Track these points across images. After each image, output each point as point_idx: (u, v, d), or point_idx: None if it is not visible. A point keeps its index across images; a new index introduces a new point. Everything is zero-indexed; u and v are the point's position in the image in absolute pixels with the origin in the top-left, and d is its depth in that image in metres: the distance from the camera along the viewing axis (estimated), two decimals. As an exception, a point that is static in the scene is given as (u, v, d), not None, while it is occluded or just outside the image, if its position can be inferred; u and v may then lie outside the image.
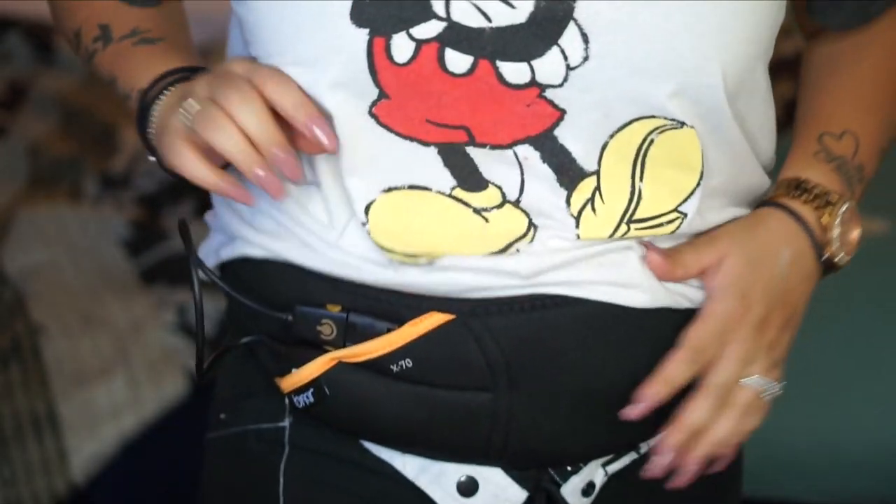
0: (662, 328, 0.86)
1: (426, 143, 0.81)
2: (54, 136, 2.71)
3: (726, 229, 0.87)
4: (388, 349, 0.85)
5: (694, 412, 0.86)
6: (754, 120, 0.87)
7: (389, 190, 0.82)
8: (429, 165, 0.82)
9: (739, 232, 0.87)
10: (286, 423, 0.93)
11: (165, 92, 0.86)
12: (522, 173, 0.82)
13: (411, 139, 0.81)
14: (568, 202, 0.82)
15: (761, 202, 0.89)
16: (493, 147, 0.81)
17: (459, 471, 0.89)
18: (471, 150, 0.81)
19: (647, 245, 0.84)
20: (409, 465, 0.90)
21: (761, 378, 0.88)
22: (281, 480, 0.93)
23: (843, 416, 1.77)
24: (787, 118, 0.98)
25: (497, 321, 0.84)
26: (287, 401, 0.92)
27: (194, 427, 1.93)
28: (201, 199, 2.49)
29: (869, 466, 1.75)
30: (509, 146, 0.81)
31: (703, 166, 0.83)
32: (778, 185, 0.90)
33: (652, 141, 0.81)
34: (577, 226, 0.83)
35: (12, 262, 2.19)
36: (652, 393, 0.85)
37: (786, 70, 2.32)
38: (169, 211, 2.48)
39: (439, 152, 0.81)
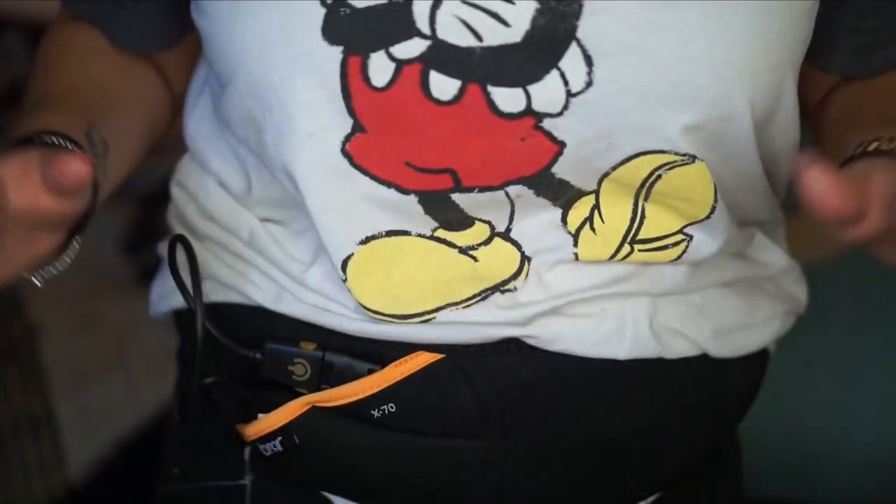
0: (665, 377, 0.79)
1: (406, 191, 0.71)
2: (53, 136, 2.71)
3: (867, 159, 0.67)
4: (368, 392, 0.76)
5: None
6: (779, 142, 0.77)
7: (366, 240, 0.73)
8: (408, 213, 0.72)
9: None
10: (247, 480, 0.84)
11: None
12: (513, 207, 0.73)
13: (389, 184, 0.71)
14: (564, 220, 0.74)
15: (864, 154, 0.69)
16: (482, 190, 0.71)
17: None
18: (456, 197, 0.72)
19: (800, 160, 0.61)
20: None
21: None
22: None
23: (843, 417, 1.77)
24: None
25: (492, 361, 0.75)
26: (248, 455, 0.83)
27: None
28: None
29: (870, 468, 1.75)
30: (500, 187, 0.71)
31: (715, 201, 0.74)
32: (861, 142, 0.70)
33: (659, 176, 0.72)
34: (576, 244, 0.75)
35: (10, 262, 2.19)
36: (837, 191, 0.58)
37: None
38: (167, 211, 2.48)
39: (420, 201, 0.72)
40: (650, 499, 0.85)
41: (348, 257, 0.73)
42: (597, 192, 0.73)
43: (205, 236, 0.81)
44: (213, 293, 0.81)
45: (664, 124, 0.69)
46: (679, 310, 0.78)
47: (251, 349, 0.78)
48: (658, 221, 0.75)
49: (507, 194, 0.72)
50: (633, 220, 0.74)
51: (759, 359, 0.86)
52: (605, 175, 0.72)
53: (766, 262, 0.84)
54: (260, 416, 0.78)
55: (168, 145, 2.78)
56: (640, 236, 0.75)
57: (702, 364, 0.80)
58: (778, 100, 0.73)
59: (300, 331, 0.77)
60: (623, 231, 0.74)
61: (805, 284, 0.89)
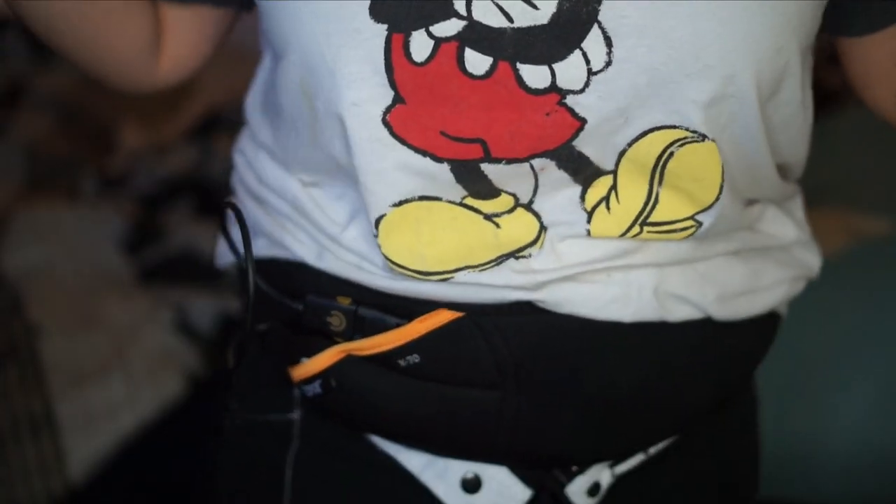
0: (668, 339, 0.84)
1: (439, 160, 0.78)
2: (52, 136, 2.71)
3: None
4: (396, 343, 0.84)
5: None
6: (786, 121, 0.83)
7: (400, 203, 0.80)
8: (440, 181, 0.79)
9: None
10: (296, 415, 0.93)
11: None
12: (537, 180, 0.79)
13: (424, 153, 0.78)
14: (583, 197, 0.80)
15: None
16: (509, 161, 0.78)
17: (464, 468, 0.88)
18: (485, 167, 0.78)
19: None
20: (414, 461, 0.90)
21: None
22: (288, 472, 0.93)
23: (827, 417, 1.77)
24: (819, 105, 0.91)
25: (507, 321, 0.82)
26: (297, 393, 0.92)
27: (192, 427, 1.94)
28: (200, 199, 2.49)
29: (855, 467, 1.75)
30: (525, 159, 0.78)
31: (722, 181, 0.80)
32: None
33: (672, 154, 0.78)
34: (589, 221, 0.81)
35: (10, 262, 2.19)
36: None
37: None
38: (167, 210, 2.48)
39: (452, 169, 0.78)
40: (661, 444, 0.92)
41: (381, 216, 0.80)
42: (615, 173, 0.79)
43: (261, 199, 0.90)
44: (266, 249, 0.90)
45: (675, 101, 0.76)
46: (684, 277, 0.84)
47: (294, 301, 0.87)
48: (670, 206, 0.81)
49: (531, 167, 0.78)
50: (646, 204, 0.80)
51: (766, 320, 0.91)
52: (623, 153, 0.78)
53: (775, 234, 0.90)
54: (303, 360, 0.87)
55: (168, 146, 2.76)
56: (651, 219, 0.81)
57: (706, 326, 0.86)
58: (782, 82, 0.79)
59: (338, 286, 0.86)
60: (636, 213, 0.81)
61: (817, 251, 0.95)
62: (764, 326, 0.91)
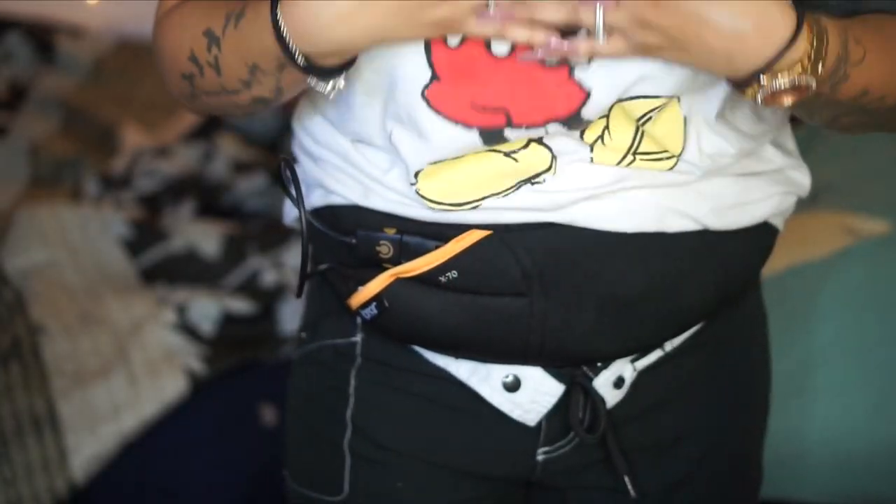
0: (669, 246, 0.98)
1: (469, 127, 0.93)
2: (55, 137, 2.71)
3: None
4: (436, 263, 0.98)
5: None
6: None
7: (436, 162, 0.96)
8: (470, 143, 0.94)
9: None
10: (358, 338, 1.08)
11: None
12: (547, 131, 0.94)
13: (456, 123, 0.93)
14: (581, 136, 0.95)
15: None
16: (528, 127, 0.93)
17: (504, 371, 1.02)
18: (508, 132, 0.93)
19: None
20: (462, 369, 1.04)
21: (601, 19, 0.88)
22: (352, 382, 1.08)
23: (842, 416, 1.77)
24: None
25: (529, 235, 0.96)
26: (358, 320, 1.06)
27: (194, 426, 1.94)
28: (201, 200, 2.50)
29: (868, 465, 1.75)
30: (542, 125, 0.93)
31: (685, 134, 0.95)
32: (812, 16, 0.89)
33: (650, 118, 0.94)
34: (591, 151, 0.95)
35: (12, 262, 2.19)
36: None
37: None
38: (168, 211, 2.48)
39: (480, 134, 0.94)
40: (676, 341, 1.05)
41: (419, 171, 0.96)
42: (607, 117, 0.94)
43: (315, 156, 1.04)
44: (322, 198, 1.04)
45: (663, 74, 0.91)
46: (680, 195, 0.97)
47: (348, 236, 1.01)
48: (653, 143, 0.95)
49: (546, 131, 0.93)
50: (633, 139, 0.95)
51: (761, 230, 1.04)
52: (613, 105, 0.93)
53: (768, 159, 1.03)
54: (359, 289, 1.01)
55: (170, 146, 2.76)
56: (640, 150, 0.96)
57: (703, 235, 0.99)
58: None
59: (383, 221, 1.00)
60: (626, 146, 0.95)
61: (807, 173, 1.07)
62: (758, 235, 1.04)
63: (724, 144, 0.97)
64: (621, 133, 0.95)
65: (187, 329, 2.06)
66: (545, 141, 0.95)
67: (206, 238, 2.29)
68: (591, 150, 0.96)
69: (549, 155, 0.96)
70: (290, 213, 1.11)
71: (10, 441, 1.87)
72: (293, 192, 1.02)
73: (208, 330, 2.08)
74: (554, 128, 0.93)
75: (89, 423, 1.89)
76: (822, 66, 0.88)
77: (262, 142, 2.71)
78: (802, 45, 0.87)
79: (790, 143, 1.07)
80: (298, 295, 1.06)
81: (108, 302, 2.11)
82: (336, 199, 1.03)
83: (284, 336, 2.09)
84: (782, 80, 0.87)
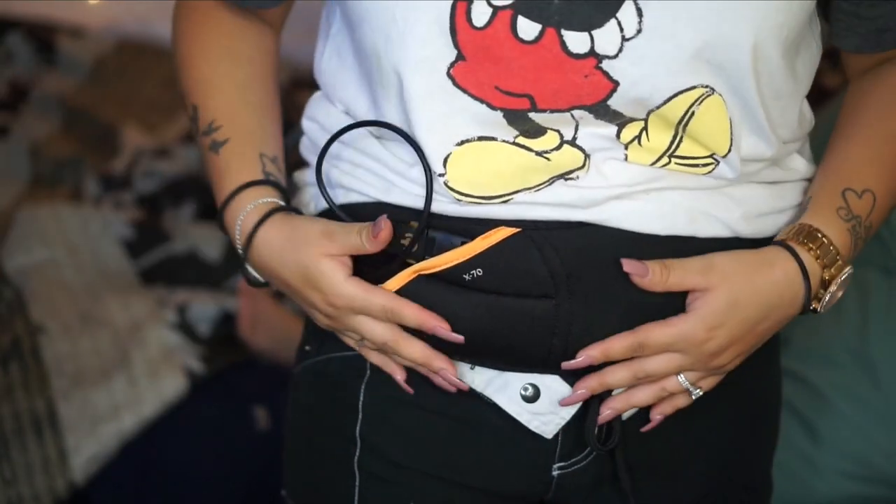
0: (698, 252, 0.96)
1: (494, 108, 0.92)
2: (55, 137, 2.72)
3: (726, 261, 0.96)
4: (461, 259, 0.95)
5: (611, 376, 0.97)
6: (777, 89, 0.96)
7: (462, 143, 0.93)
8: (495, 124, 0.92)
9: (739, 270, 0.95)
10: None
11: (238, 225, 1.03)
12: (577, 123, 0.93)
13: (481, 101, 0.91)
14: (618, 135, 0.93)
15: (775, 241, 0.99)
16: (553, 111, 0.91)
17: (522, 380, 1.00)
18: (533, 115, 0.92)
19: (625, 262, 0.94)
20: (478, 379, 1.00)
21: (688, 383, 0.99)
22: (361, 397, 1.04)
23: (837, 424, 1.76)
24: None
25: (557, 234, 0.94)
26: None
27: (194, 426, 1.94)
28: (201, 201, 2.50)
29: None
30: (567, 110, 0.91)
31: (731, 132, 0.93)
32: (795, 229, 0.98)
33: (693, 113, 0.92)
34: (626, 149, 0.94)
35: (13, 262, 2.19)
36: (590, 355, 0.96)
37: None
38: (169, 212, 2.48)
39: (504, 115, 0.92)
40: None
41: (448, 155, 0.93)
42: (645, 121, 0.92)
43: (333, 155, 1.02)
44: (341, 197, 1.01)
45: (693, 62, 0.89)
46: (713, 199, 0.96)
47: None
48: (692, 148, 0.94)
49: (572, 115, 0.92)
50: (671, 143, 0.94)
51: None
52: (651, 110, 0.92)
53: (794, 168, 1.02)
54: (379, 286, 0.97)
55: (170, 147, 2.76)
56: (677, 153, 0.94)
57: (732, 242, 0.97)
58: (787, 47, 0.93)
59: (407, 217, 0.97)
60: (664, 149, 0.94)
61: None
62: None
63: (762, 147, 0.96)
64: (659, 136, 0.93)
65: (186, 329, 2.06)
66: (578, 143, 0.93)
67: (208, 241, 2.29)
68: (626, 149, 0.94)
69: (583, 156, 0.94)
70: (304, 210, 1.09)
71: (11, 441, 1.87)
72: (324, 190, 1.01)
73: (205, 329, 2.08)
74: (580, 113, 0.91)
75: (89, 423, 1.89)
76: (841, 254, 0.97)
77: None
78: (815, 270, 0.96)
79: (808, 153, 1.06)
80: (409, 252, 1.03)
81: (108, 302, 2.11)
82: (356, 198, 1.00)
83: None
84: (828, 295, 0.98)
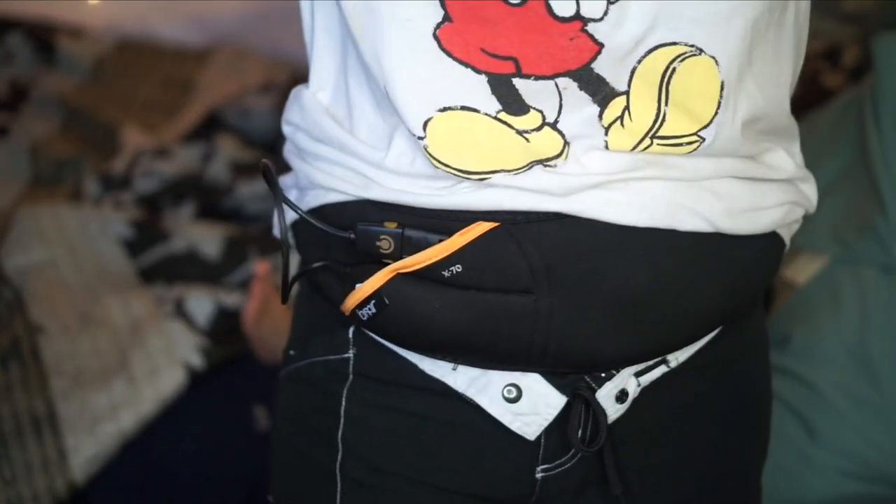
0: (679, 245, 0.95)
1: (478, 71, 0.90)
2: (55, 137, 2.72)
3: None
4: (439, 256, 0.94)
5: None
6: (779, 48, 0.95)
7: (444, 109, 0.91)
8: (479, 92, 0.91)
9: None
10: (350, 354, 1.03)
11: None
12: (561, 99, 0.91)
13: (466, 65, 0.90)
14: (600, 116, 0.91)
15: None
16: (537, 78, 0.90)
17: (504, 379, 0.99)
18: (516, 81, 0.90)
19: None
20: (460, 380, 1.00)
21: None
22: (343, 403, 1.04)
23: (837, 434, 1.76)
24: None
25: (537, 227, 0.93)
26: (350, 334, 1.03)
27: (194, 426, 1.94)
28: (201, 200, 2.50)
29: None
30: (551, 77, 0.90)
31: (720, 97, 0.92)
32: None
33: (674, 69, 0.91)
34: (606, 135, 0.92)
35: (12, 262, 2.19)
36: None
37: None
38: (168, 211, 2.48)
39: (488, 81, 0.90)
40: (681, 357, 1.03)
41: (429, 119, 0.92)
42: (627, 94, 0.91)
43: (313, 154, 1.00)
44: (318, 198, 1.00)
45: (677, 21, 0.88)
46: (693, 191, 0.95)
47: (346, 231, 0.97)
48: (676, 124, 0.92)
49: (556, 85, 0.90)
50: (655, 121, 0.92)
51: (770, 239, 1.01)
52: (633, 71, 0.90)
53: (778, 166, 1.00)
54: (357, 286, 0.97)
55: (170, 147, 2.76)
56: (660, 133, 0.92)
57: (714, 236, 0.96)
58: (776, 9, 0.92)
59: (384, 213, 0.96)
60: (647, 128, 0.92)
61: (815, 187, 1.06)
62: (767, 245, 1.01)
63: (756, 106, 0.95)
64: (642, 113, 0.92)
65: (184, 321, 2.06)
66: (559, 126, 0.92)
67: (207, 239, 2.29)
68: (607, 133, 0.92)
69: (562, 142, 0.92)
70: (278, 224, 1.08)
71: (10, 441, 1.87)
72: (279, 193, 0.99)
73: (204, 322, 2.08)
74: (564, 82, 0.90)
75: (89, 423, 1.89)
76: None
77: (262, 142, 2.71)
78: None
79: (799, 158, 1.05)
80: (284, 301, 1.02)
81: (107, 302, 2.11)
82: (334, 197, 1.00)
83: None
84: None
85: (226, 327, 2.08)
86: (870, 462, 1.69)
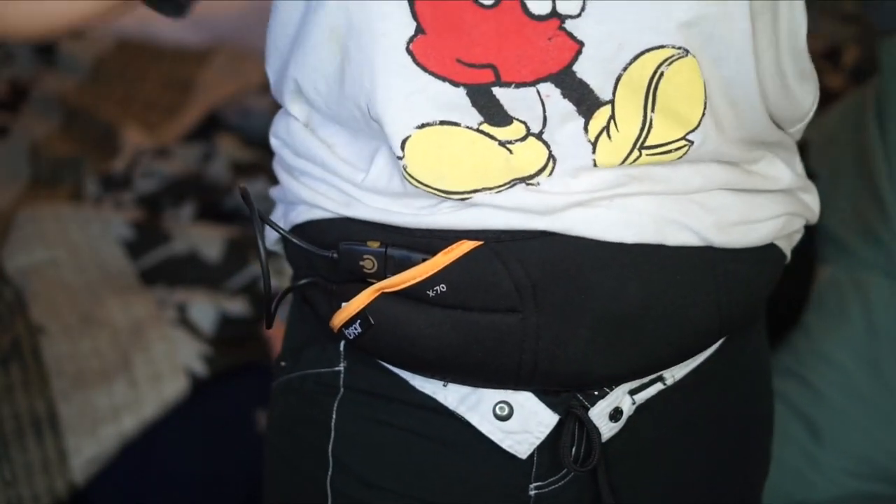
0: (669, 260, 0.93)
1: (456, 84, 0.88)
2: (55, 137, 2.72)
3: None
4: (423, 276, 0.92)
5: None
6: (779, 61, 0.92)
7: (423, 126, 0.89)
8: (458, 106, 0.89)
9: None
10: (341, 367, 1.02)
11: None
12: (545, 109, 0.88)
13: (443, 79, 0.88)
14: (586, 129, 0.89)
15: None
16: (518, 86, 0.88)
17: (495, 397, 0.97)
18: (497, 91, 0.88)
19: None
20: (451, 397, 0.98)
21: None
22: (333, 416, 1.02)
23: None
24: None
25: (521, 246, 0.91)
26: (341, 347, 1.01)
27: (194, 428, 1.94)
28: (202, 201, 2.50)
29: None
30: (532, 83, 0.87)
31: (705, 98, 0.89)
32: None
33: (662, 74, 0.88)
34: (594, 151, 0.90)
35: (13, 262, 2.19)
36: None
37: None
38: (169, 212, 2.48)
39: (468, 93, 0.88)
40: (678, 374, 1.00)
41: (407, 138, 0.89)
42: (613, 102, 0.88)
43: (297, 170, 0.99)
44: (304, 214, 0.99)
45: (661, 21, 0.86)
46: (682, 205, 0.93)
47: (329, 250, 0.96)
48: (663, 130, 0.90)
49: (538, 93, 0.88)
50: (642, 129, 0.89)
51: (768, 251, 0.99)
52: (619, 79, 0.87)
53: (774, 177, 0.98)
54: (342, 305, 0.95)
55: (171, 147, 2.76)
56: (648, 143, 0.90)
57: (706, 251, 0.94)
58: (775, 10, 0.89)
59: (367, 232, 0.95)
60: (634, 139, 0.89)
61: (818, 197, 1.03)
62: (764, 257, 0.98)
63: (734, 115, 0.92)
64: (628, 122, 0.89)
65: (187, 329, 2.06)
66: (545, 137, 0.89)
67: (208, 242, 2.29)
68: (594, 149, 0.90)
69: (546, 153, 0.90)
70: (270, 235, 1.07)
71: (10, 442, 1.87)
72: (256, 217, 0.97)
73: (208, 330, 2.08)
74: (546, 88, 0.87)
75: (89, 424, 1.89)
76: None
77: (262, 142, 2.71)
78: None
79: (799, 168, 1.02)
80: (268, 326, 1.00)
81: (108, 303, 2.11)
82: (318, 214, 0.98)
83: (278, 341, 2.09)
84: None
85: (230, 335, 2.08)
86: (874, 461, 1.70)
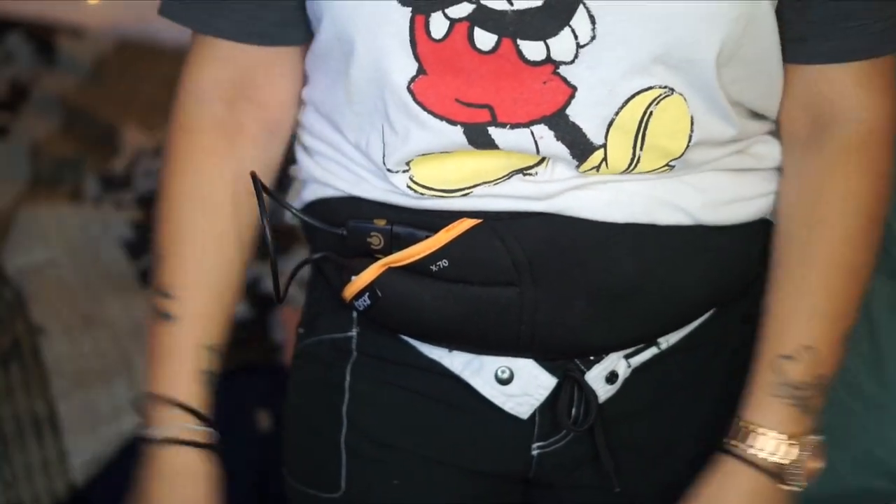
0: (661, 237, 0.97)
1: (454, 123, 0.93)
2: (55, 137, 2.71)
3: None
4: (427, 252, 0.97)
5: None
6: (752, 72, 0.96)
7: (423, 155, 0.95)
8: (455, 142, 0.94)
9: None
10: (353, 332, 1.08)
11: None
12: (538, 150, 0.93)
13: (441, 118, 0.93)
14: (577, 167, 0.95)
15: (722, 447, 1.02)
16: (513, 126, 0.92)
17: (497, 363, 1.02)
18: (492, 131, 0.93)
19: None
20: (456, 362, 1.04)
21: None
22: (347, 378, 1.08)
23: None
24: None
25: (518, 224, 0.96)
26: (354, 314, 1.07)
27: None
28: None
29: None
30: (527, 125, 0.92)
31: (691, 131, 0.94)
32: (737, 430, 1.01)
33: (651, 113, 0.92)
34: (584, 175, 0.95)
35: (13, 262, 2.19)
36: None
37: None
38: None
39: (464, 132, 0.93)
40: (672, 339, 1.05)
41: (410, 160, 0.96)
42: (605, 146, 0.93)
43: (310, 150, 1.05)
44: (316, 192, 1.04)
45: (648, 65, 0.90)
46: (672, 187, 0.97)
47: (338, 228, 1.01)
48: (648, 163, 0.95)
49: (532, 134, 0.93)
50: (630, 164, 0.94)
51: (758, 226, 1.03)
52: (611, 124, 0.92)
53: (765, 155, 1.01)
54: (352, 279, 1.00)
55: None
56: (634, 172, 0.95)
57: (696, 228, 0.98)
58: (742, 41, 0.93)
59: (374, 210, 1.00)
60: (621, 170, 0.95)
61: None
62: (755, 231, 1.02)
63: (722, 127, 0.96)
64: (618, 160, 0.94)
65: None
66: (539, 170, 0.96)
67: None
68: (584, 174, 0.96)
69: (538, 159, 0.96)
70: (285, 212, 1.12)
71: (11, 442, 1.87)
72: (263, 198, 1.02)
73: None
74: (540, 130, 0.93)
75: (89, 424, 1.89)
76: (790, 434, 1.01)
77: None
78: (770, 466, 1.00)
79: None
80: (278, 301, 1.06)
81: (108, 303, 2.11)
82: (328, 192, 1.03)
83: (277, 343, 2.09)
84: (798, 472, 1.02)
85: (231, 338, 2.08)
86: (875, 458, 1.70)
